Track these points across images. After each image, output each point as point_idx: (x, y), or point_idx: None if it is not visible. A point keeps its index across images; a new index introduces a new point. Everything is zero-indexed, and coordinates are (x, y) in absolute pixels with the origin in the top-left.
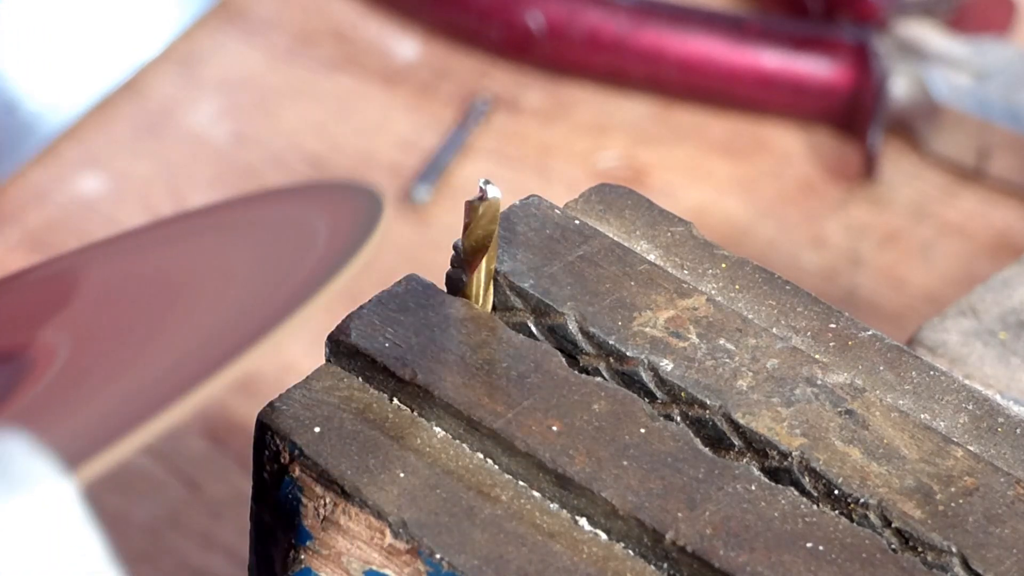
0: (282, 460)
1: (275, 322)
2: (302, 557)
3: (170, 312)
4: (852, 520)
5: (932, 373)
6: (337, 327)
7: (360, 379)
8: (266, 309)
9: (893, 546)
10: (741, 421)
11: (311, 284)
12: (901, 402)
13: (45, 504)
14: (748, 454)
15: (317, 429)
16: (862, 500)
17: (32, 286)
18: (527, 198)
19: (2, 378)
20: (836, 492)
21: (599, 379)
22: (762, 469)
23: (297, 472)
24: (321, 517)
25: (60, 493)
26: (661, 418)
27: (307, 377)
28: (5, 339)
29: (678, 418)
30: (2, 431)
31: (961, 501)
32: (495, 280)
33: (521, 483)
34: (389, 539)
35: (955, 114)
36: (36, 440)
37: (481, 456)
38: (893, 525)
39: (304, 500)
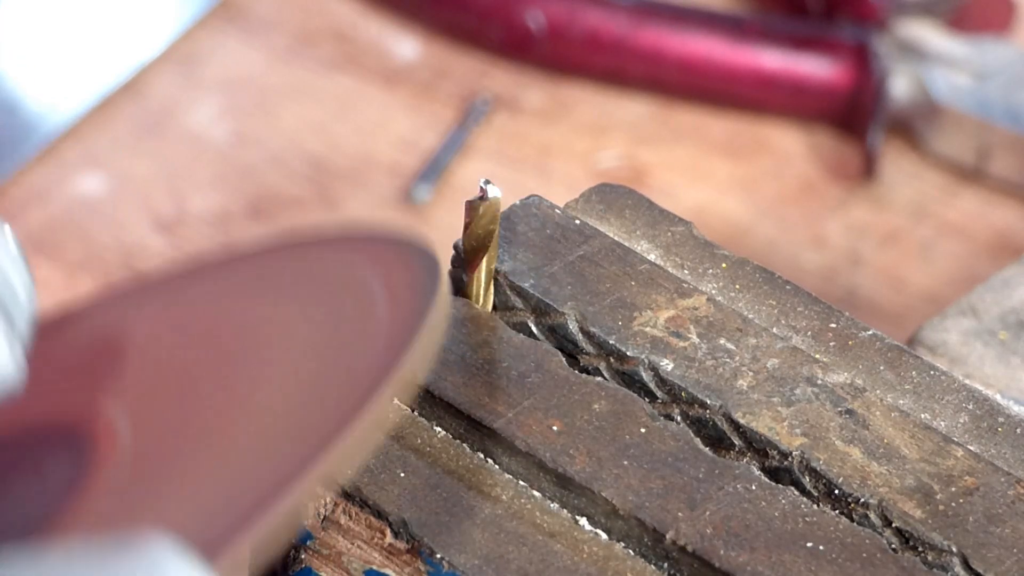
0: None
1: (363, 402)
2: (302, 557)
3: (238, 384)
4: (852, 520)
5: (932, 373)
6: None
7: None
8: (349, 386)
9: (893, 546)
10: (741, 421)
11: (390, 356)
12: (901, 402)
13: None
14: (748, 454)
15: None
16: (862, 500)
17: (69, 346)
18: (527, 198)
19: (65, 462)
20: (836, 492)
21: (599, 379)
22: (762, 469)
23: None
24: (321, 517)
25: None
26: (661, 418)
27: None
28: (53, 412)
29: (678, 418)
30: (145, 536)
31: (961, 501)
32: (495, 280)
33: (521, 483)
34: (389, 539)
35: (955, 114)
36: (181, 543)
37: (481, 456)
38: (893, 525)
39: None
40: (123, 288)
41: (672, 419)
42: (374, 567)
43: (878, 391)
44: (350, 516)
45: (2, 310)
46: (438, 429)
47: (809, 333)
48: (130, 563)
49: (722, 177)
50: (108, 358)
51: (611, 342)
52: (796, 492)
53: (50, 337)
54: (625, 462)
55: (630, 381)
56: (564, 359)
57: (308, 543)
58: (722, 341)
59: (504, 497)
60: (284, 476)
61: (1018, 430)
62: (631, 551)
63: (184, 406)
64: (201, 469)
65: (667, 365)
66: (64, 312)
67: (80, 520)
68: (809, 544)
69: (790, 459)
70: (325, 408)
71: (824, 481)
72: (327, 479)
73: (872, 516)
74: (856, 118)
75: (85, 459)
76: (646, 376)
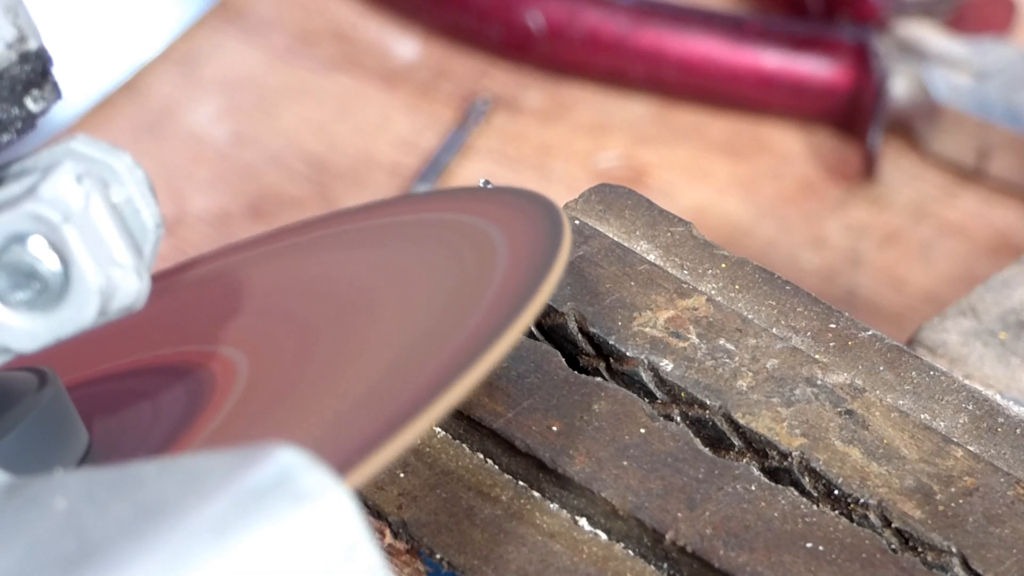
0: None
1: (479, 349)
2: None
3: (358, 328)
4: (852, 520)
5: (932, 373)
6: None
7: None
8: (469, 329)
9: (893, 546)
10: (741, 421)
11: (509, 305)
12: (901, 402)
13: (329, 516)
14: (748, 454)
15: None
16: (862, 500)
17: (188, 290)
18: None
19: (186, 394)
20: (836, 492)
21: (599, 379)
22: (762, 469)
23: None
24: None
25: (342, 504)
26: (661, 418)
27: None
28: (171, 349)
29: (678, 418)
30: (275, 445)
31: (961, 501)
32: None
33: (521, 483)
34: (388, 539)
35: (955, 114)
36: (309, 455)
37: (481, 456)
38: (893, 525)
39: None
40: (248, 240)
41: (672, 419)
42: None
43: (878, 391)
44: None
45: (131, 240)
46: (437, 429)
47: (809, 333)
48: (258, 470)
49: (722, 177)
50: (228, 304)
51: (611, 342)
52: (796, 492)
53: (173, 282)
54: (624, 462)
55: (630, 381)
56: (564, 359)
57: None
58: (722, 341)
59: (504, 497)
60: (404, 408)
61: (1018, 430)
62: (631, 551)
63: (303, 347)
64: (322, 401)
65: (667, 365)
66: (188, 261)
67: (199, 442)
68: (809, 544)
69: (790, 459)
70: (444, 349)
71: (824, 481)
72: (444, 414)
73: (872, 516)
74: (856, 118)
75: (203, 391)
76: (646, 376)
